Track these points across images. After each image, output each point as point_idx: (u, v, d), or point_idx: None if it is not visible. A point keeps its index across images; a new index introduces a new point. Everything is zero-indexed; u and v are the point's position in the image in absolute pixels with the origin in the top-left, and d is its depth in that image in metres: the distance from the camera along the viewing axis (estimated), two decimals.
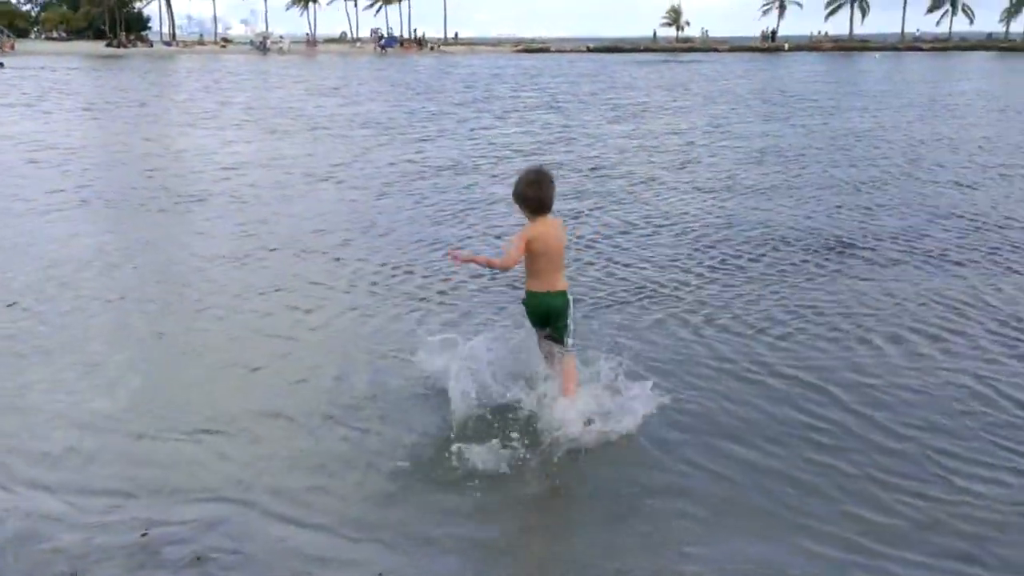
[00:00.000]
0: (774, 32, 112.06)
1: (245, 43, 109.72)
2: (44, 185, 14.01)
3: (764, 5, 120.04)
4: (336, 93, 36.37)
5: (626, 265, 9.02)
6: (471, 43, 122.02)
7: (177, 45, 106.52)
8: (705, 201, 12.70)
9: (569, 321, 5.37)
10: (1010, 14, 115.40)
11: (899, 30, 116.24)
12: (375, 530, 4.29)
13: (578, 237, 9.98)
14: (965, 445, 5.13)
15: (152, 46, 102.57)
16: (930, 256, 9.46)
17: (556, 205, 5.37)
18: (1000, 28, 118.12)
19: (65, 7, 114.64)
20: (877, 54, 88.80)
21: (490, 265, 5.43)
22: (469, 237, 10.41)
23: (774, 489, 4.65)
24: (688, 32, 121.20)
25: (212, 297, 7.99)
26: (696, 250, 9.72)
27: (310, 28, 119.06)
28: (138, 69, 57.30)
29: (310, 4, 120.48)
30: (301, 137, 20.86)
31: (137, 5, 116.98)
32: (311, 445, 5.18)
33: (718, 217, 11.55)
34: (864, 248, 9.81)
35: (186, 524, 4.33)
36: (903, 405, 5.67)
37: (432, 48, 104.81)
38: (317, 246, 9.91)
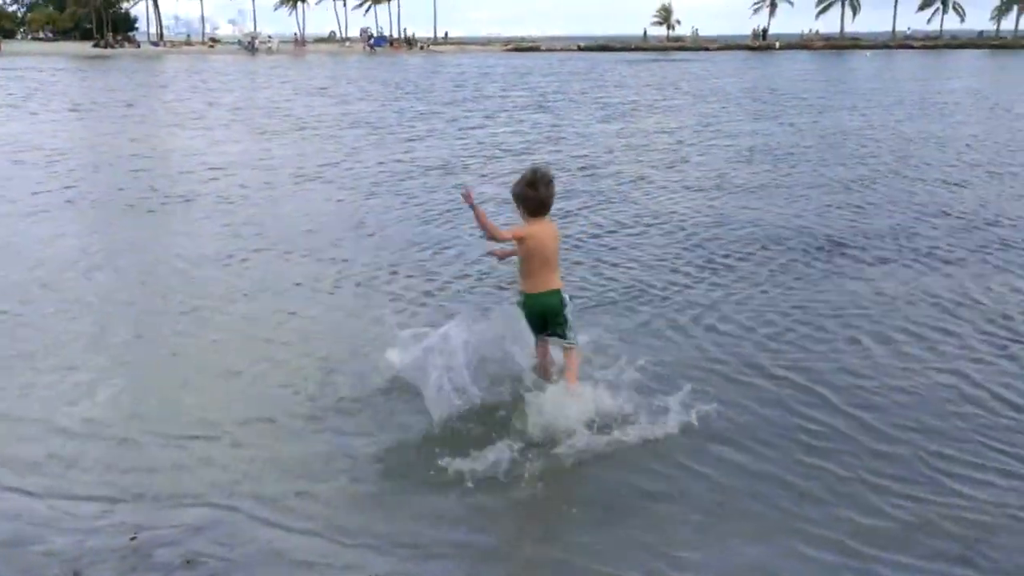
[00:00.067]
0: (765, 30, 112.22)
1: (233, 43, 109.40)
2: (29, 186, 13.91)
3: (755, 3, 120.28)
4: (324, 93, 36.28)
5: (614, 265, 8.98)
6: (461, 42, 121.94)
7: (164, 45, 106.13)
8: (694, 200, 12.67)
9: (568, 315, 5.39)
10: (1001, 12, 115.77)
11: (890, 28, 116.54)
12: (364, 534, 4.26)
13: (567, 236, 9.91)
14: (956, 447, 5.11)
15: (139, 46, 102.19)
16: (919, 255, 9.44)
17: None
18: (991, 26, 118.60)
19: (51, 8, 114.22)
20: (868, 52, 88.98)
21: (482, 223, 5.23)
22: (457, 237, 10.34)
23: (766, 492, 4.63)
24: (679, 31, 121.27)
25: (197, 299, 7.91)
26: (685, 249, 9.69)
27: (299, 28, 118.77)
28: (125, 70, 57.08)
29: (298, 4, 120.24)
30: (289, 137, 20.77)
31: (124, 5, 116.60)
32: (297, 449, 5.14)
33: (707, 216, 11.52)
34: (853, 247, 9.79)
35: (175, 528, 4.30)
36: (893, 406, 5.66)
37: (422, 47, 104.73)
38: (304, 247, 9.84)
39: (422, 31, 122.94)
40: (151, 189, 13.80)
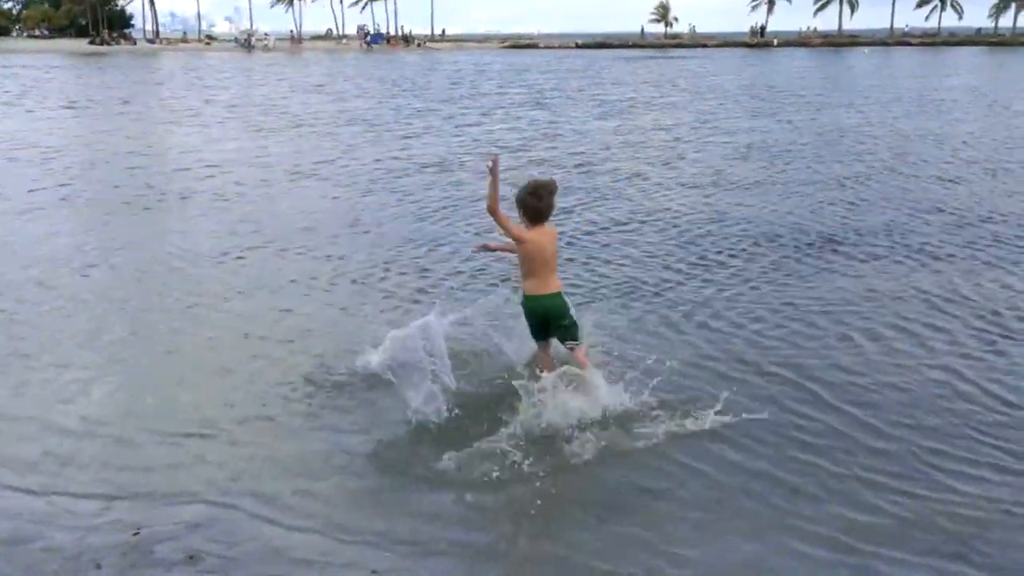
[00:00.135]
0: (763, 28, 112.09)
1: (230, 41, 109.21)
2: (24, 183, 13.92)
3: (753, 1, 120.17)
4: (321, 90, 36.26)
5: (607, 261, 9.02)
6: (458, 39, 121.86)
7: (161, 43, 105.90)
8: (689, 197, 12.70)
9: (572, 314, 5.59)
10: (999, 9, 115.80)
11: (888, 25, 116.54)
12: (363, 532, 4.28)
13: (561, 233, 9.91)
14: (948, 443, 5.14)
15: (135, 44, 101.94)
16: (911, 251, 9.48)
17: None
18: (989, 23, 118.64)
19: (47, 5, 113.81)
20: (866, 49, 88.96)
21: (490, 192, 5.33)
22: (452, 234, 10.37)
23: (761, 490, 4.65)
24: (676, 28, 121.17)
25: (193, 297, 7.93)
26: (678, 246, 9.72)
27: (295, 25, 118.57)
28: (121, 67, 56.99)
29: (295, 1, 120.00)
30: (286, 134, 20.78)
31: (119, 2, 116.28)
32: (294, 446, 5.15)
33: (702, 213, 11.55)
34: (846, 244, 9.82)
35: (175, 525, 4.32)
36: (886, 403, 5.68)
37: (419, 45, 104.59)
38: (300, 244, 9.87)
39: (420, 29, 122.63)
40: (147, 186, 13.82)
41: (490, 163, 5.40)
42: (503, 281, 8.25)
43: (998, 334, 6.96)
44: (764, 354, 6.47)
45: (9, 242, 10.06)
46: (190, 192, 13.31)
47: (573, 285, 8.03)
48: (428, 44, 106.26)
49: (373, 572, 3.97)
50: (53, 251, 9.58)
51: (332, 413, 5.54)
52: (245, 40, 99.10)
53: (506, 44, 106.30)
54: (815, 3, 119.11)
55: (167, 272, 8.81)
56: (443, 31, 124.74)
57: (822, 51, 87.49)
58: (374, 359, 5.84)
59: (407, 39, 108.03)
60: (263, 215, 11.60)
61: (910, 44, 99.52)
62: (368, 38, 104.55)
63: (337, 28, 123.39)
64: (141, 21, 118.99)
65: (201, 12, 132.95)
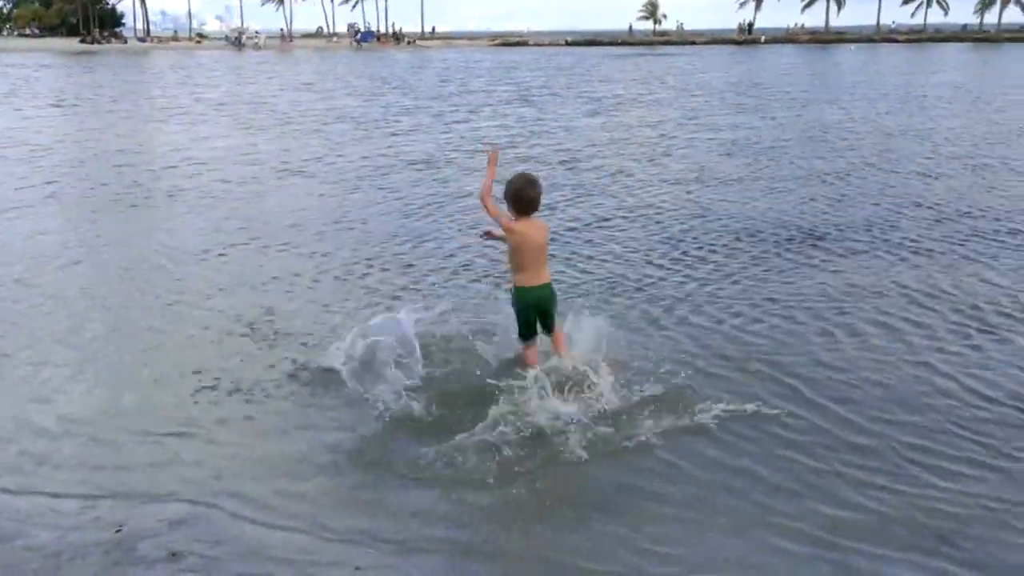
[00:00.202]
0: (751, 25, 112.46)
1: (220, 39, 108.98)
2: (12, 181, 13.93)
3: None
4: (310, 88, 36.26)
5: (589, 257, 9.08)
6: (448, 37, 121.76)
7: (151, 41, 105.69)
8: (673, 193, 12.79)
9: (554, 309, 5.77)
10: (984, 5, 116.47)
11: (875, 22, 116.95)
12: (347, 531, 4.28)
13: None
14: (928, 438, 5.16)
15: (126, 42, 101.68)
16: (891, 246, 9.57)
17: None
18: (974, 19, 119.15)
19: (37, 4, 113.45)
20: (853, 46, 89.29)
21: (486, 182, 5.55)
22: (437, 231, 10.45)
23: (743, 487, 4.66)
24: (665, 25, 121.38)
25: (175, 294, 7.93)
26: (660, 242, 9.79)
27: (286, 23, 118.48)
28: (112, 65, 56.84)
29: None
30: (274, 132, 20.80)
31: (110, 1, 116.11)
32: (276, 445, 5.14)
33: (685, 209, 11.63)
34: (827, 239, 9.91)
35: (158, 522, 4.31)
36: (866, 399, 5.70)
37: (409, 42, 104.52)
38: (286, 241, 9.91)
39: (410, 27, 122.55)
40: (135, 184, 13.84)
41: (492, 155, 5.58)
42: (485, 277, 8.32)
43: (977, 329, 7.00)
44: (745, 350, 6.48)
45: None
46: (177, 189, 13.34)
47: (555, 281, 8.00)
48: (418, 42, 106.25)
49: (357, 569, 3.98)
50: (38, 248, 9.60)
51: (313, 410, 5.53)
52: (236, 38, 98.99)
53: (496, 42, 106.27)
54: (802, 0, 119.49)
55: (150, 269, 8.82)
56: (433, 29, 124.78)
57: (809, 48, 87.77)
58: (340, 356, 5.92)
59: (397, 37, 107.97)
60: (250, 212, 11.64)
61: (896, 41, 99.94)
62: (358, 36, 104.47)
63: (328, 26, 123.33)
64: (132, 20, 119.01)
65: (192, 10, 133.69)
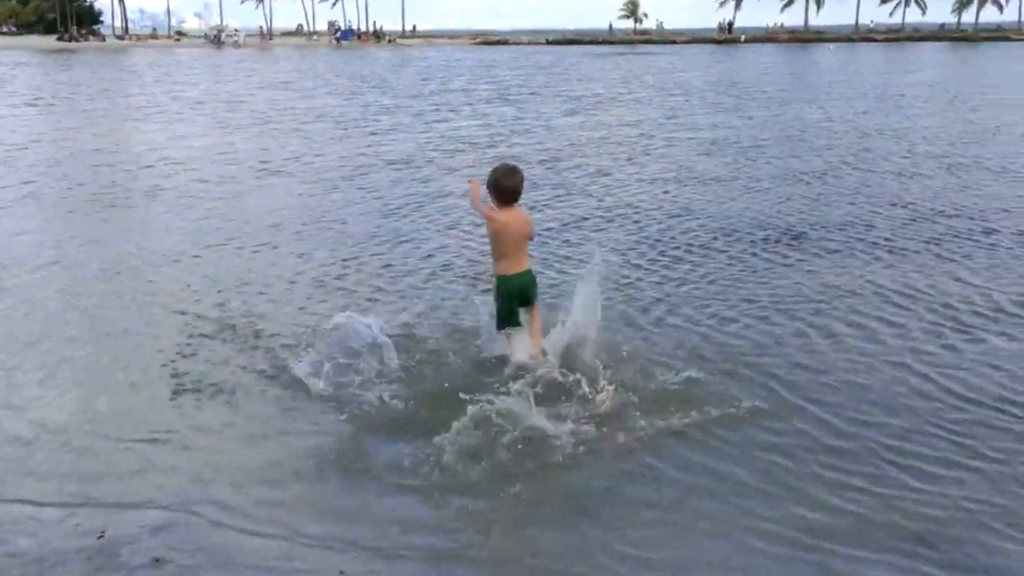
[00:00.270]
0: (731, 24, 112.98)
1: (199, 37, 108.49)
2: None
3: None
4: (290, 87, 36.14)
5: (567, 258, 9.08)
6: (429, 35, 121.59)
7: (130, 39, 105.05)
8: (652, 193, 12.84)
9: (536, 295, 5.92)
10: (962, 5, 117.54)
11: (853, 21, 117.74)
12: (329, 537, 4.26)
13: None
14: (906, 439, 5.18)
15: (104, 40, 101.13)
16: (869, 246, 9.62)
17: None
18: (952, 19, 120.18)
19: (14, 1, 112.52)
20: (832, 45, 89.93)
21: (472, 186, 5.75)
22: (419, 229, 10.45)
23: (723, 490, 4.66)
24: (646, 24, 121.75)
25: (149, 296, 7.88)
26: (638, 242, 9.82)
27: (266, 21, 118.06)
28: (89, 63, 56.43)
29: None
30: (253, 131, 20.73)
31: None
32: (254, 451, 5.10)
33: (662, 209, 11.67)
34: (805, 238, 9.97)
35: (140, 528, 4.29)
36: (844, 401, 5.71)
37: (390, 41, 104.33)
38: (264, 241, 9.88)
39: (390, 25, 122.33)
40: (112, 184, 13.76)
41: (472, 163, 5.64)
42: (462, 278, 8.34)
43: (953, 329, 7.02)
44: (723, 352, 6.46)
45: None
46: (155, 189, 13.28)
47: None
48: (399, 40, 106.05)
49: (341, 573, 3.98)
50: (12, 250, 9.53)
51: (292, 414, 5.49)
52: (215, 36, 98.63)
53: (477, 40, 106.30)
54: (782, 0, 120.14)
55: (127, 271, 8.76)
56: (414, 27, 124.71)
57: (789, 47, 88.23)
58: (315, 359, 5.95)
59: (378, 35, 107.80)
60: (228, 212, 11.60)
61: (875, 40, 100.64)
62: (338, 34, 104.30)
63: (308, 24, 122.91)
64: (110, 17, 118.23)
65: (171, 8, 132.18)
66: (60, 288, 8.21)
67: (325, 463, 4.92)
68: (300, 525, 4.35)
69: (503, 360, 5.89)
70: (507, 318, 5.79)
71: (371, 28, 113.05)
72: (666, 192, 12.89)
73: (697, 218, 11.05)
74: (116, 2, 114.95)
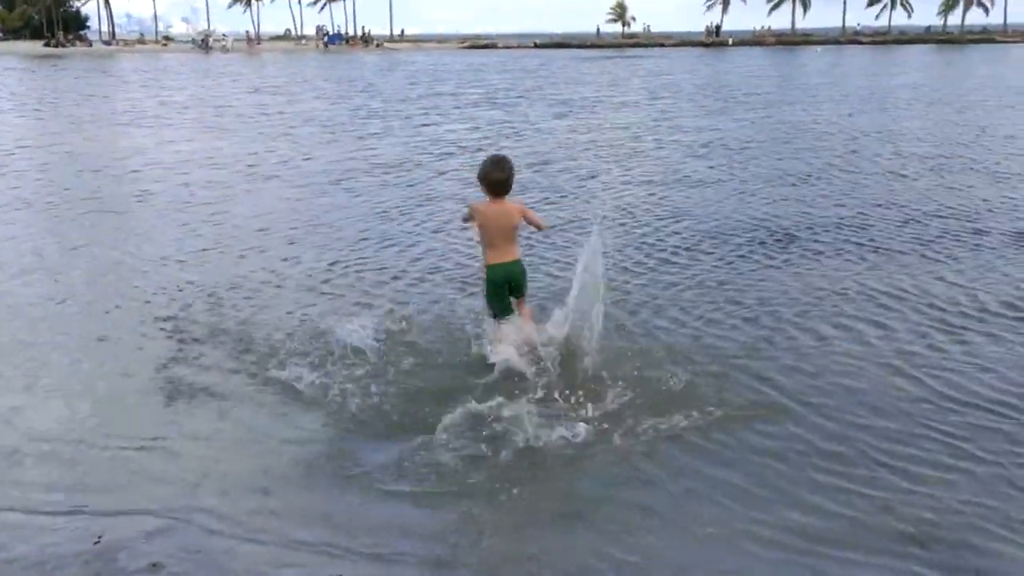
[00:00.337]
0: (718, 27, 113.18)
1: (187, 42, 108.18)
2: None
3: (708, 0, 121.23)
4: (278, 91, 36.06)
5: (555, 261, 9.05)
6: (417, 40, 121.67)
7: (117, 44, 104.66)
8: (641, 195, 12.86)
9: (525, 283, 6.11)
10: (948, 7, 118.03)
11: (840, 24, 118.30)
12: (324, 543, 4.24)
13: None
14: (898, 441, 5.19)
15: (91, 45, 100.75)
16: (857, 247, 9.65)
17: None
18: (938, 21, 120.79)
19: (0, 6, 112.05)
20: (819, 48, 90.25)
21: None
22: (407, 232, 10.45)
23: (716, 494, 4.65)
24: (634, 28, 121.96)
25: (141, 303, 7.83)
26: (626, 244, 9.82)
27: (254, 26, 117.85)
28: (76, 69, 56.21)
29: (253, 2, 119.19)
30: (242, 136, 20.68)
31: (75, 4, 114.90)
32: (247, 458, 5.06)
33: (652, 211, 11.69)
34: (794, 240, 10.00)
35: (136, 535, 4.28)
36: (836, 404, 5.71)
37: (378, 45, 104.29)
38: (253, 246, 9.86)
39: (379, 29, 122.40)
40: (99, 189, 13.72)
41: (463, 222, 6.21)
42: (449, 282, 8.34)
43: (943, 330, 7.04)
44: (713, 355, 6.45)
45: None
46: (143, 194, 13.24)
47: None
48: (387, 45, 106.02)
49: (341, 575, 3.99)
50: (5, 256, 9.47)
51: (283, 419, 5.46)
52: (202, 41, 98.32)
53: (465, 44, 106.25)
54: (769, 3, 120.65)
55: (116, 278, 8.72)
56: (402, 31, 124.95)
57: (776, 50, 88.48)
58: (305, 364, 5.98)
59: (366, 40, 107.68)
60: (216, 216, 11.56)
61: (861, 43, 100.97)
62: (326, 39, 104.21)
63: (296, 29, 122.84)
64: (97, 22, 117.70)
65: (158, 13, 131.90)
66: (46, 294, 8.16)
67: (317, 468, 4.91)
68: (294, 531, 4.34)
69: (495, 363, 5.86)
70: (499, 308, 5.97)
71: (359, 32, 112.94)
72: (654, 195, 12.90)
73: (686, 220, 11.07)
74: (103, 7, 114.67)
